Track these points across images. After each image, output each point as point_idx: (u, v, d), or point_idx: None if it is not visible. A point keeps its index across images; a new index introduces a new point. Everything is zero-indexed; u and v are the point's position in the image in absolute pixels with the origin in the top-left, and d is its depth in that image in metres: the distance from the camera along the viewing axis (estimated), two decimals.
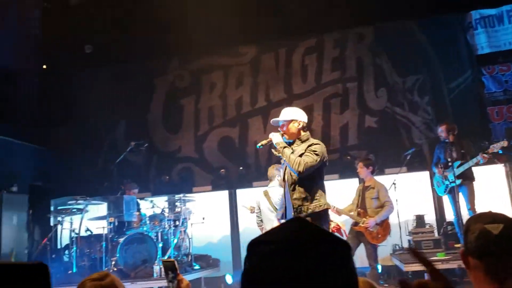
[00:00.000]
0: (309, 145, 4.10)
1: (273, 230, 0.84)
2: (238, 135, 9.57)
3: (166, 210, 7.58)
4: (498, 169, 7.90)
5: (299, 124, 4.19)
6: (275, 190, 6.02)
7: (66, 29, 9.86)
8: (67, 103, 10.16)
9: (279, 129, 4.28)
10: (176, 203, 7.55)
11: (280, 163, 4.88)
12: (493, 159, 7.12)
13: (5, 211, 7.80)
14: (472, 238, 1.34)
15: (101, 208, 7.59)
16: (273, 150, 4.31)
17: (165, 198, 7.81)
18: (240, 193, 8.78)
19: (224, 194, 8.97)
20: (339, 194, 7.16)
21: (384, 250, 6.94)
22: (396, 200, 6.73)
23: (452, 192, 6.57)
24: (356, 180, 7.63)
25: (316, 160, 3.98)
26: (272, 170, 6.22)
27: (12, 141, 8.64)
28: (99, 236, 7.09)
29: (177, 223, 7.43)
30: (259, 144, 4.32)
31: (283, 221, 5.56)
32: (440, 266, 5.59)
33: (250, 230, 7.93)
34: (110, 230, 6.98)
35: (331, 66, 9.45)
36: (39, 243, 8.45)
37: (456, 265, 5.75)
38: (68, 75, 10.36)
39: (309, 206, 4.03)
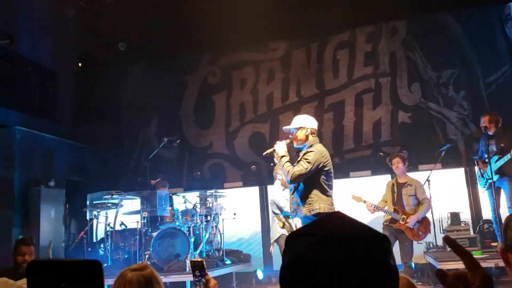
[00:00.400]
0: (305, 153, 4.38)
1: (313, 223, 0.84)
2: (269, 131, 9.57)
3: (198, 206, 7.68)
4: None
5: (307, 131, 4.49)
6: (275, 189, 6.54)
7: (101, 28, 10.08)
8: (102, 100, 10.39)
9: (290, 135, 4.59)
10: (208, 199, 7.63)
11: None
12: None
13: (43, 205, 8.06)
14: None
15: (135, 203, 7.75)
16: (274, 158, 4.60)
17: (197, 193, 7.91)
18: (271, 189, 8.78)
19: (254, 190, 9.01)
20: (371, 190, 7.07)
21: (418, 248, 6.82)
22: (430, 197, 6.61)
23: (491, 188, 6.37)
24: (389, 177, 7.52)
25: (307, 168, 4.24)
26: (276, 170, 6.49)
27: (49, 137, 8.89)
28: (133, 230, 7.23)
29: (208, 218, 7.51)
30: (265, 153, 4.67)
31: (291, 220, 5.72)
32: None
33: None
34: (144, 225, 7.11)
35: (363, 61, 9.33)
36: (75, 236, 8.70)
37: (493, 264, 5.60)
38: (102, 72, 10.59)
39: (303, 209, 4.33)
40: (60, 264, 1.09)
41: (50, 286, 1.13)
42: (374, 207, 6.12)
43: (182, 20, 9.67)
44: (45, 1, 10.14)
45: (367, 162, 8.76)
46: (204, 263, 2.10)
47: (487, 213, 6.95)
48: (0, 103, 8.26)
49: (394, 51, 9.21)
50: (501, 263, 5.41)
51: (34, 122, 8.79)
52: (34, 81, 9.37)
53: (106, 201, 7.17)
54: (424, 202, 6.23)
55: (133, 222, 7.38)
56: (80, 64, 10.81)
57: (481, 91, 8.66)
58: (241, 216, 8.03)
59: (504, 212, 6.35)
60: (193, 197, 8.02)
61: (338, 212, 0.86)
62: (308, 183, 4.32)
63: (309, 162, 4.26)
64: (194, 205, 7.78)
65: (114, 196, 7.17)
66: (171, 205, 7.87)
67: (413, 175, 6.72)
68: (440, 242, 7.22)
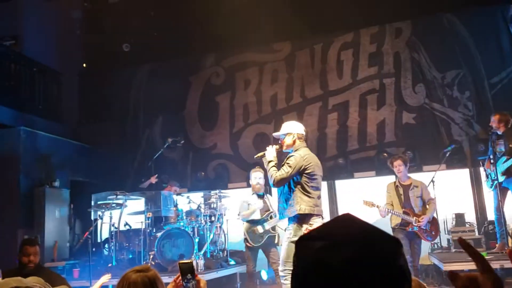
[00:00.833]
0: (288, 157, 4.60)
1: (323, 226, 0.84)
2: (273, 131, 9.53)
3: (202, 206, 7.68)
4: None
5: (294, 136, 4.73)
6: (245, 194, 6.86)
7: (105, 29, 10.12)
8: (106, 101, 10.43)
9: (279, 141, 4.85)
10: (212, 199, 7.64)
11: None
12: None
13: (48, 205, 8.10)
14: None
15: (140, 203, 7.76)
16: (264, 163, 4.82)
17: (201, 194, 7.92)
18: (275, 190, 8.77)
19: None
20: (375, 192, 7.04)
21: (422, 249, 6.79)
22: (434, 198, 6.56)
23: (496, 189, 6.31)
24: (393, 178, 7.48)
25: (288, 172, 4.45)
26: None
27: (54, 137, 8.93)
28: (137, 231, 7.25)
29: (212, 218, 7.51)
30: (256, 156, 4.93)
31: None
32: None
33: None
34: (148, 225, 7.13)
35: (367, 61, 9.31)
36: (80, 236, 8.72)
37: (498, 265, 5.57)
38: (107, 73, 10.63)
39: (285, 212, 4.56)
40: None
41: None
42: (388, 211, 5.97)
43: (186, 21, 9.70)
44: (49, 2, 10.18)
45: (371, 163, 8.75)
46: (193, 264, 2.07)
47: (492, 214, 6.91)
48: (5, 104, 8.30)
49: (399, 52, 9.19)
50: (507, 265, 5.39)
51: (39, 122, 8.83)
52: (39, 82, 9.42)
53: (110, 201, 7.18)
54: (430, 203, 6.15)
55: (138, 222, 7.40)
56: (84, 65, 10.84)
57: (486, 92, 8.63)
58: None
59: (510, 214, 6.31)
60: (197, 197, 8.03)
61: (348, 215, 0.86)
62: (291, 186, 4.54)
63: (290, 166, 4.46)
64: (199, 206, 7.79)
65: (118, 197, 7.19)
66: (176, 205, 7.88)
67: (417, 176, 6.67)
68: (444, 243, 7.21)
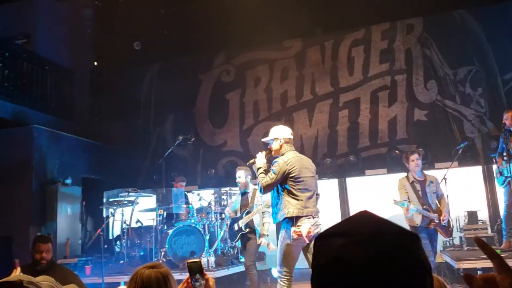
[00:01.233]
0: (272, 163, 4.63)
1: (342, 223, 0.84)
2: None
3: (213, 203, 7.70)
4: None
5: (281, 141, 4.75)
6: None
7: (116, 27, 10.17)
8: (118, 99, 10.49)
9: (269, 146, 4.88)
10: (222, 197, 7.65)
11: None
12: None
13: (60, 202, 8.17)
14: None
15: (151, 201, 7.80)
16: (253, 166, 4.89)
17: (212, 191, 7.94)
18: None
19: None
20: (387, 189, 7.00)
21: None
22: (447, 196, 6.45)
23: (508, 186, 6.24)
24: (404, 175, 7.43)
25: (273, 179, 4.49)
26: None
27: (66, 135, 9.00)
28: (149, 228, 7.29)
29: (223, 216, 7.52)
30: (248, 163, 5.05)
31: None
32: None
33: None
34: (159, 222, 7.16)
35: (379, 58, 9.25)
36: (92, 233, 8.80)
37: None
38: (118, 71, 10.68)
39: (277, 216, 4.59)
40: None
41: None
42: (417, 210, 5.63)
43: (196, 19, 9.70)
44: (61, 1, 10.25)
45: (383, 160, 8.70)
46: (202, 263, 2.05)
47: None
48: (18, 102, 8.38)
49: (410, 49, 9.12)
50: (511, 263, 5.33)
51: (51, 120, 8.91)
52: (51, 80, 9.50)
53: (122, 198, 7.22)
54: (443, 198, 6.01)
55: (149, 219, 7.44)
56: (96, 63, 10.91)
57: (499, 89, 8.54)
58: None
59: None
60: (208, 194, 8.05)
61: (366, 212, 0.85)
62: (278, 191, 4.59)
63: (274, 173, 4.51)
64: (209, 203, 7.80)
65: (130, 194, 7.23)
66: (187, 202, 7.90)
67: (429, 173, 6.59)
68: (456, 241, 7.14)
